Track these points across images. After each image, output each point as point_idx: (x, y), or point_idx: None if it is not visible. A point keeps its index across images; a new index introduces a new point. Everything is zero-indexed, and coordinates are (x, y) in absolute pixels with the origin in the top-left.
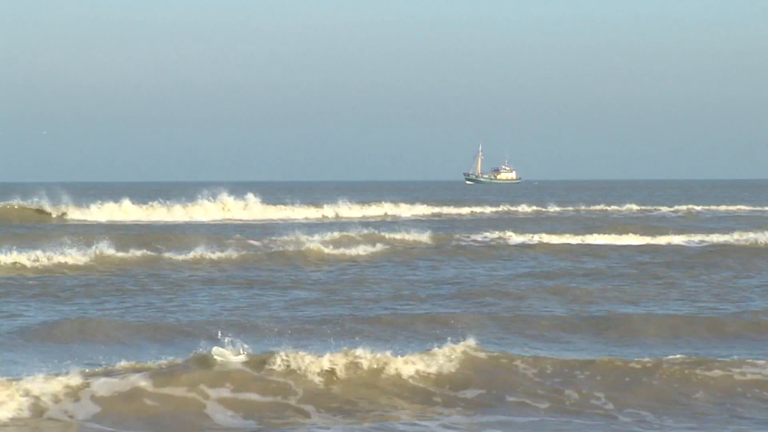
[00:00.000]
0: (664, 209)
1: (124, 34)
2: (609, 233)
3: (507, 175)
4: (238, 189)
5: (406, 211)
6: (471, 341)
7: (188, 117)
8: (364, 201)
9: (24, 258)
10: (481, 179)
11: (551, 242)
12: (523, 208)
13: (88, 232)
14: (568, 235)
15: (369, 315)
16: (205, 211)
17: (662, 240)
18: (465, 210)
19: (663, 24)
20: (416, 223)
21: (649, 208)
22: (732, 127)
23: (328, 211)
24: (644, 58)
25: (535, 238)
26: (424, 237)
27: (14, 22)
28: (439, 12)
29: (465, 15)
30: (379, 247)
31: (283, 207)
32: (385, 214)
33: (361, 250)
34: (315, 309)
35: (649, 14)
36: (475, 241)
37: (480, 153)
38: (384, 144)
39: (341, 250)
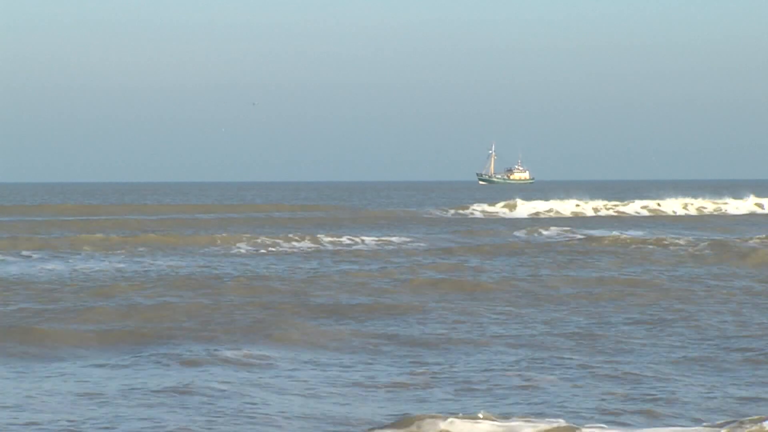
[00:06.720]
0: None
1: (124, 34)
2: None
3: (520, 175)
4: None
5: None
6: None
7: (189, 117)
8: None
9: None
10: (495, 179)
11: None
12: None
13: None
14: None
15: None
16: None
17: None
18: None
19: (679, 24)
20: None
21: None
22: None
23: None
24: (662, 58)
25: None
26: None
27: (15, 22)
28: (452, 12)
29: (478, 15)
30: None
31: None
32: None
33: None
34: None
35: (665, 14)
36: None
37: (493, 153)
38: (397, 144)
39: None
